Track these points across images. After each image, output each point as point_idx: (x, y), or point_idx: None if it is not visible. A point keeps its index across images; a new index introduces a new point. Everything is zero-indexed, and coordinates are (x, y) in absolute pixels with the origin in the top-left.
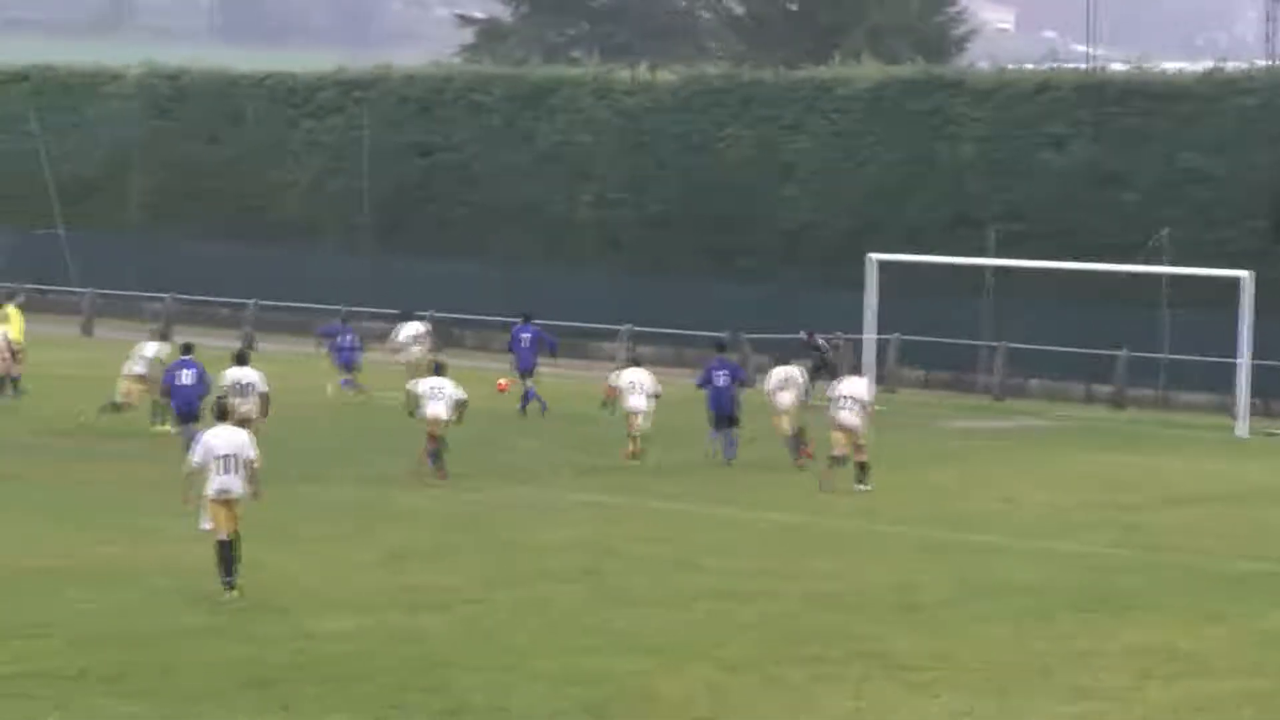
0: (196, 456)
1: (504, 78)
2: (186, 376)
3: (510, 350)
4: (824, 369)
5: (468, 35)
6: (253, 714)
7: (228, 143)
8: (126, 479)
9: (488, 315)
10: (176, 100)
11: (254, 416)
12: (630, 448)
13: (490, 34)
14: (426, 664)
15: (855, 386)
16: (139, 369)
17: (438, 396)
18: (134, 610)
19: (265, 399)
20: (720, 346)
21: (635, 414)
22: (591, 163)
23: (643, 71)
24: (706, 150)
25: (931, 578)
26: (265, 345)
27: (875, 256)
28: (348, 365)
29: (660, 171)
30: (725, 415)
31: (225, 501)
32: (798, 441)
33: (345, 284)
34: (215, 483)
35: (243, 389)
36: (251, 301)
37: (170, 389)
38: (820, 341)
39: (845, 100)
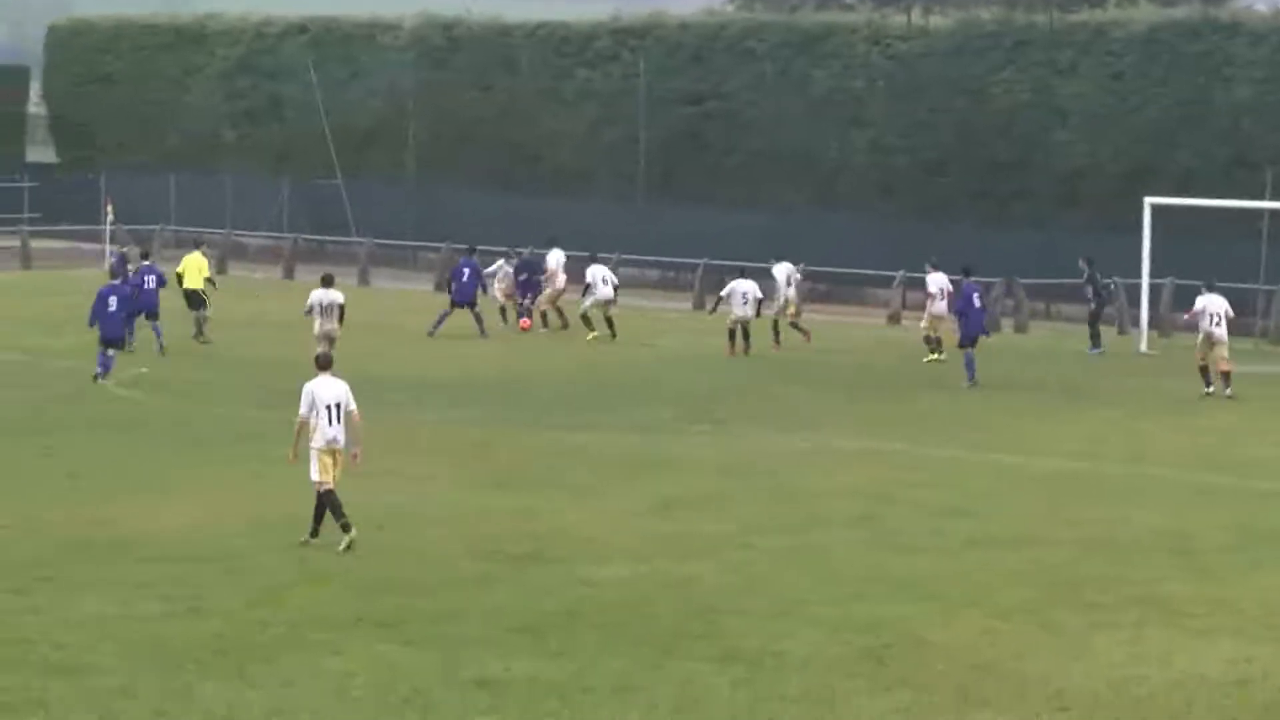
0: (304, 408)
1: (777, 24)
2: (150, 282)
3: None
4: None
5: None
6: (528, 660)
7: (501, 92)
8: (395, 425)
9: (761, 263)
10: (451, 50)
11: (338, 333)
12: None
13: None
14: (699, 610)
15: (1218, 303)
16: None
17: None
18: (411, 559)
19: (342, 310)
20: (967, 271)
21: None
22: (864, 109)
23: (916, 16)
24: (980, 95)
25: (1207, 523)
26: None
27: (1151, 200)
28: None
29: (933, 117)
30: (975, 335)
31: (333, 451)
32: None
33: (618, 233)
34: (325, 433)
35: (326, 308)
36: (527, 250)
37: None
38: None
39: (1120, 43)
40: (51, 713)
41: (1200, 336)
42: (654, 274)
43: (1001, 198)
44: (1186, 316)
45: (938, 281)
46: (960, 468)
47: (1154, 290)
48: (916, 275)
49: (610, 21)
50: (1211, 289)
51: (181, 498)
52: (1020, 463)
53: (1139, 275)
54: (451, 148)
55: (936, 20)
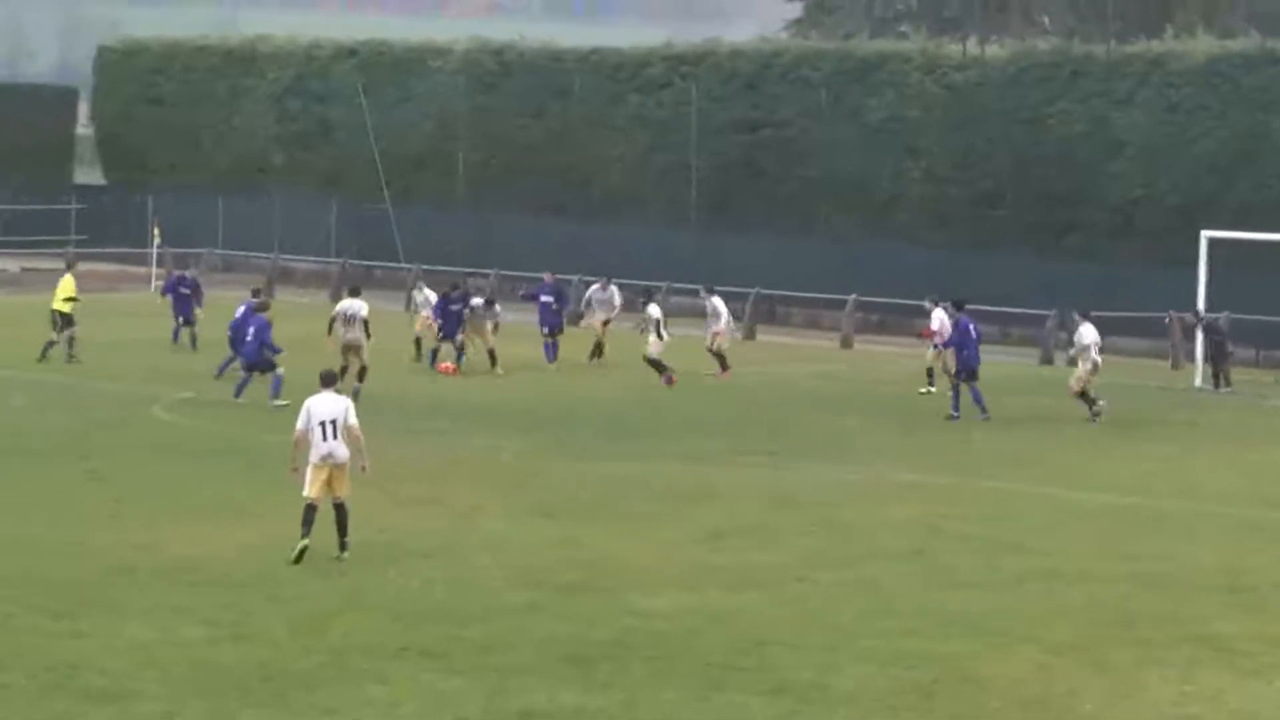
0: (301, 422)
1: (832, 53)
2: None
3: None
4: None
5: (795, 9)
6: (575, 691)
7: (552, 118)
8: (439, 452)
9: (814, 292)
10: (502, 75)
11: (361, 342)
12: None
13: (818, 8)
14: (749, 643)
15: (1095, 333)
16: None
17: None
18: (457, 588)
19: (365, 324)
20: (959, 304)
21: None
22: (919, 138)
23: (972, 46)
24: (1036, 125)
25: (1262, 559)
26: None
27: (1208, 234)
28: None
29: (988, 147)
30: (974, 368)
31: (330, 467)
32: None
33: (670, 260)
34: (319, 449)
35: (349, 318)
36: (576, 277)
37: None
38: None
39: (1178, 75)
40: None
41: (1089, 367)
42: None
43: (1056, 229)
44: (1073, 352)
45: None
46: (1013, 501)
47: None
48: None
49: (663, 48)
50: (1087, 318)
51: (227, 523)
52: (1073, 497)
53: (1194, 309)
54: (502, 174)
55: (992, 50)
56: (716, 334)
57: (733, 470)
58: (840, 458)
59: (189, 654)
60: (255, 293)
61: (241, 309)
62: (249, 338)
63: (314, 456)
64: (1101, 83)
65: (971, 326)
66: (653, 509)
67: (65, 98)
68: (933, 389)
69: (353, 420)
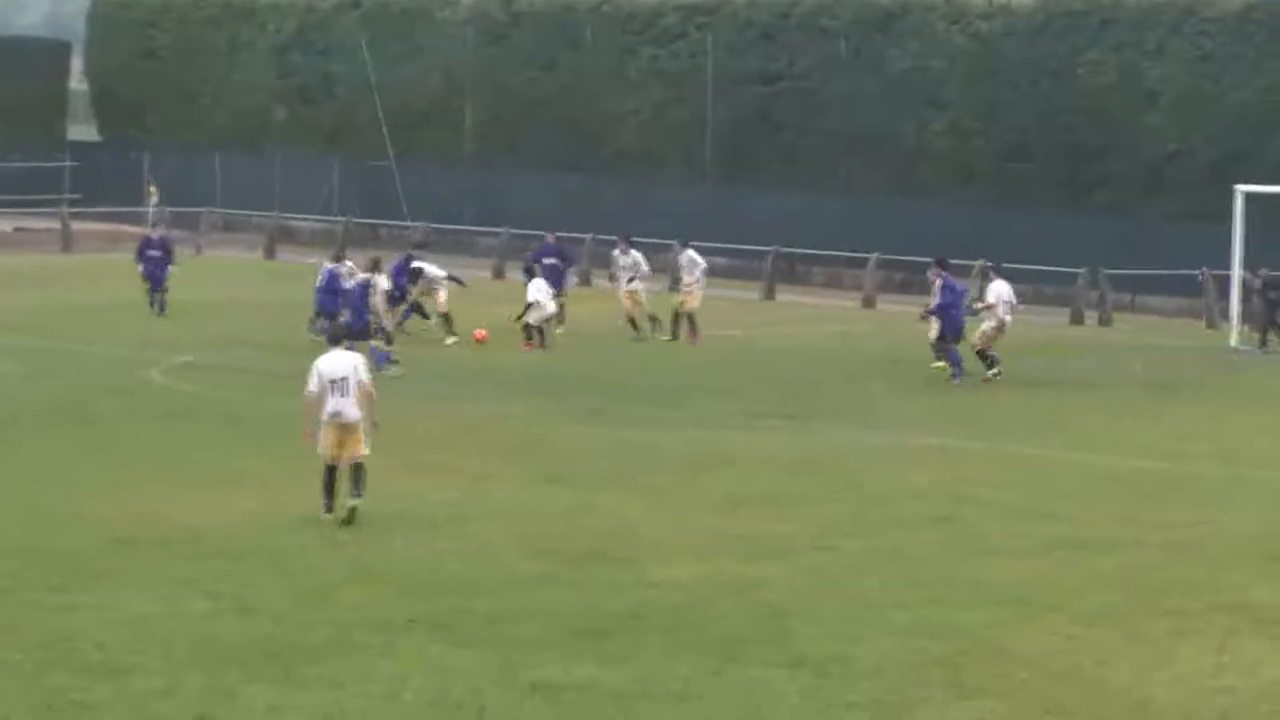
0: (313, 384)
1: (852, 2)
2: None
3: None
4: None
5: None
6: (587, 664)
7: (564, 71)
8: (449, 422)
9: (834, 250)
10: (511, 26)
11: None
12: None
13: None
14: (767, 614)
15: (1008, 289)
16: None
17: None
18: (466, 558)
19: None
20: (943, 262)
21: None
22: (943, 90)
23: None
24: (1064, 77)
25: None
26: (599, 281)
27: (1242, 188)
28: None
29: (1015, 99)
30: (960, 327)
31: (338, 425)
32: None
33: (685, 217)
34: (328, 405)
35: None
36: (588, 236)
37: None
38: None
39: (1211, 23)
40: (92, 715)
41: (994, 324)
42: (722, 261)
43: (1085, 184)
44: (980, 307)
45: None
46: (1042, 467)
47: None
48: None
49: None
50: (999, 274)
51: (230, 492)
52: (1104, 462)
53: (1229, 266)
54: (510, 129)
55: None
56: (688, 292)
57: (750, 435)
58: (862, 421)
59: (190, 627)
60: (337, 258)
61: (325, 273)
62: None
63: (324, 414)
64: (1132, 32)
65: (957, 285)
66: (667, 476)
67: (57, 51)
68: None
69: (364, 377)
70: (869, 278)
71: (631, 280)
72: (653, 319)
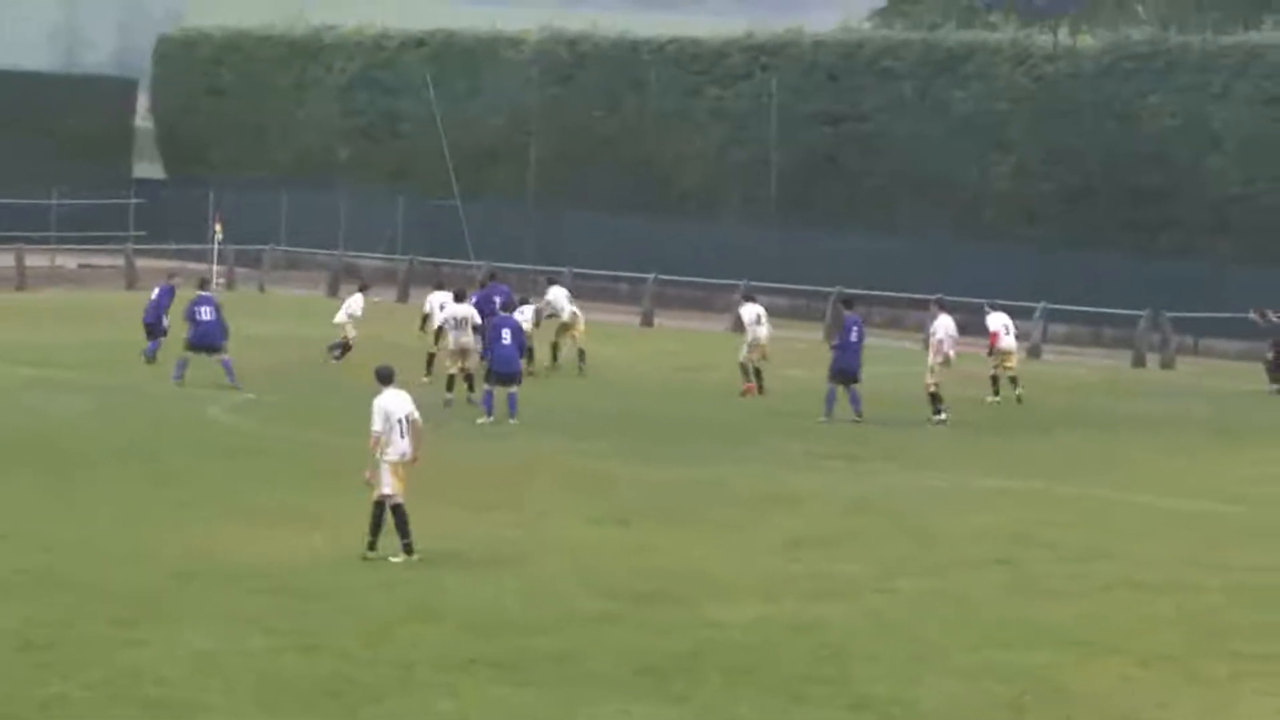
0: (377, 423)
1: (917, 43)
2: (205, 313)
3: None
4: None
5: None
6: (649, 703)
7: (628, 110)
8: (506, 457)
9: (896, 291)
10: (576, 66)
11: (472, 345)
12: None
13: None
14: (829, 655)
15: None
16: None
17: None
18: (527, 596)
19: (478, 329)
20: (848, 303)
21: None
22: (1007, 132)
23: (1063, 36)
24: (1129, 119)
25: None
26: (662, 321)
27: None
28: None
29: (1080, 141)
30: (854, 373)
31: (401, 465)
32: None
33: (748, 258)
34: (398, 446)
35: (459, 322)
36: (651, 276)
37: (190, 322)
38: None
39: (1276, 66)
40: None
41: (939, 360)
42: (784, 302)
43: (1149, 227)
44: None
45: (999, 320)
46: (1102, 508)
47: None
48: (1058, 307)
49: (743, 38)
50: (944, 309)
51: (290, 528)
52: (1165, 504)
53: None
54: (575, 168)
55: (1084, 40)
56: (759, 343)
57: (811, 475)
58: (924, 463)
59: (252, 664)
60: (202, 284)
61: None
62: (504, 340)
63: (392, 455)
64: (1197, 74)
65: (855, 329)
66: (729, 515)
67: (124, 89)
68: (998, 398)
69: (417, 415)
70: (930, 319)
71: (551, 316)
72: (581, 353)
